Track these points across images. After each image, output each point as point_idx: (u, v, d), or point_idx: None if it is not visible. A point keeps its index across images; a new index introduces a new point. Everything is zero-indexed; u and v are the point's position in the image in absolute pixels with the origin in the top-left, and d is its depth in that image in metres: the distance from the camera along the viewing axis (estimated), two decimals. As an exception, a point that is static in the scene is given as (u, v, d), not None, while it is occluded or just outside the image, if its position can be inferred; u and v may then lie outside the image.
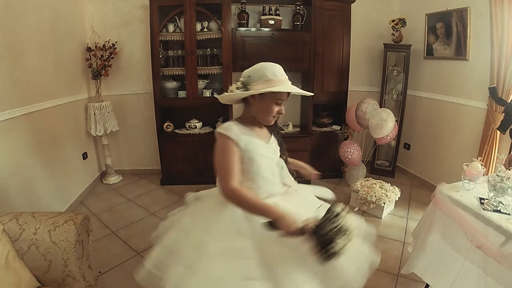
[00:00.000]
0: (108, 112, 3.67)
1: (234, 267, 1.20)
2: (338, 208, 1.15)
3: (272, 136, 1.52)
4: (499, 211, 1.65)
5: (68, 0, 3.28)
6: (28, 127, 2.62)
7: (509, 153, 2.62)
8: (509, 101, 2.70)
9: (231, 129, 1.34)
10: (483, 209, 1.67)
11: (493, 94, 2.52)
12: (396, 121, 3.77)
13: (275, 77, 1.34)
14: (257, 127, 1.45)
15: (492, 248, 1.56)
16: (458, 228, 1.73)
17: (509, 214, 1.64)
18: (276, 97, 1.36)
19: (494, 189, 1.67)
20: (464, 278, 1.73)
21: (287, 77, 1.39)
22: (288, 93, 1.39)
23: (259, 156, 1.38)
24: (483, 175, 1.98)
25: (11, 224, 1.68)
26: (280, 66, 1.39)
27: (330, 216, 1.13)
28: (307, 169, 1.69)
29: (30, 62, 2.66)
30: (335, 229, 1.10)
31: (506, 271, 1.50)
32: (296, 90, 1.40)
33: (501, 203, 1.71)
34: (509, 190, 1.69)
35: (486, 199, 1.74)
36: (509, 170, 1.86)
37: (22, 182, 2.52)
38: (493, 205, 1.69)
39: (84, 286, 1.71)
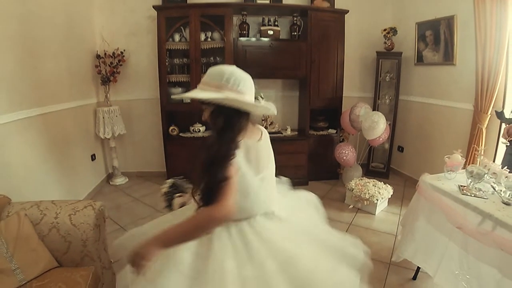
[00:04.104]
0: (116, 116, 3.87)
1: None
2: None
3: None
4: (476, 196, 1.82)
5: (79, 9, 3.52)
6: (43, 127, 2.81)
7: (497, 140, 2.78)
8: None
9: None
10: (462, 194, 1.84)
11: (501, 117, 2.69)
12: (389, 124, 3.97)
13: None
14: None
15: (471, 227, 1.72)
16: (440, 212, 1.90)
17: (486, 198, 1.81)
18: None
19: (472, 176, 1.85)
20: (449, 258, 1.89)
21: (202, 81, 1.24)
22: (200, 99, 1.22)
23: None
24: (463, 168, 2.16)
25: (33, 210, 1.85)
26: (213, 70, 1.25)
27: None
28: None
29: (46, 66, 2.87)
30: None
31: (485, 249, 1.65)
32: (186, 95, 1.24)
33: (481, 190, 1.88)
34: (485, 176, 1.87)
35: (466, 186, 1.92)
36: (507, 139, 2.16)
37: (36, 178, 2.70)
38: (472, 191, 1.86)
39: (100, 267, 1.87)
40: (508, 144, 2.30)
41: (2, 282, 1.52)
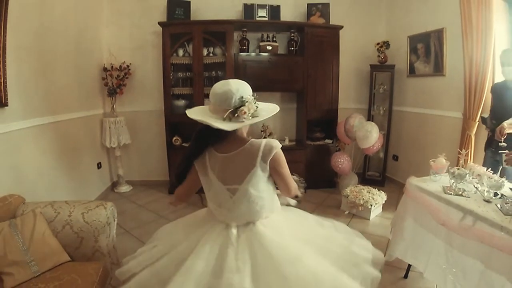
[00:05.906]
0: (122, 127, 4.05)
1: None
2: None
3: None
4: (460, 195, 1.95)
5: (89, 25, 3.74)
6: (54, 134, 2.98)
7: (485, 151, 2.92)
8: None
9: None
10: (446, 193, 1.98)
11: (485, 123, 2.84)
12: (383, 134, 4.14)
13: None
14: None
15: (454, 223, 1.85)
16: (425, 211, 2.03)
17: (469, 197, 1.94)
18: None
19: (454, 176, 1.99)
20: (436, 253, 2.01)
21: None
22: None
23: None
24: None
25: (47, 209, 1.99)
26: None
27: None
28: None
29: (57, 77, 3.05)
30: None
31: (467, 242, 1.77)
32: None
33: (464, 190, 2.02)
34: (467, 176, 2.02)
35: (449, 186, 2.06)
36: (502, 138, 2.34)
37: (45, 182, 2.84)
38: (455, 191, 1.99)
39: (109, 262, 2.00)
40: (505, 145, 2.44)
41: (18, 273, 1.64)
